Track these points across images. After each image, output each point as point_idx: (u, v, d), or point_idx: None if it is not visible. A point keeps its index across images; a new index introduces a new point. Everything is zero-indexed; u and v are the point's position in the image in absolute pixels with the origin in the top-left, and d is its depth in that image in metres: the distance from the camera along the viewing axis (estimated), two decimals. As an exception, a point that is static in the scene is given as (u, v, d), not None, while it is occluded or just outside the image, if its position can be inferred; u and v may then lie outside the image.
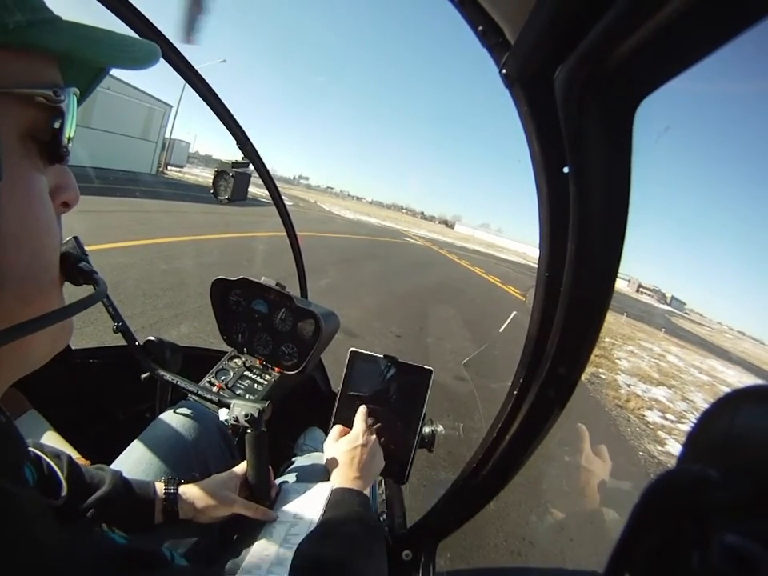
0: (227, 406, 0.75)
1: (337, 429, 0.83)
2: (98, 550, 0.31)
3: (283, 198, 1.24)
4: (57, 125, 0.29)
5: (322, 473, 0.80)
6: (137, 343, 1.04)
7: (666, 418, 4.69)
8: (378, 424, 0.92)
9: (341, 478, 0.72)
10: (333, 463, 0.76)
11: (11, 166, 0.25)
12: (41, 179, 0.29)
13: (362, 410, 0.88)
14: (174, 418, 0.85)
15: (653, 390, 5.80)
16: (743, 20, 0.22)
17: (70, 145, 0.31)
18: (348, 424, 1.00)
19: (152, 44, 0.33)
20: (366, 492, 0.71)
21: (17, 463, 0.32)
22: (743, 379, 10.54)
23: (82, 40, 0.28)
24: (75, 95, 0.31)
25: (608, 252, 0.37)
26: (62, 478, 0.48)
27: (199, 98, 0.93)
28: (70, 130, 0.30)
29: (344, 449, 0.76)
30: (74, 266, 0.36)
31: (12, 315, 0.27)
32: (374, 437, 0.82)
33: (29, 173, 0.28)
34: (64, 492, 0.47)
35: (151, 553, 0.38)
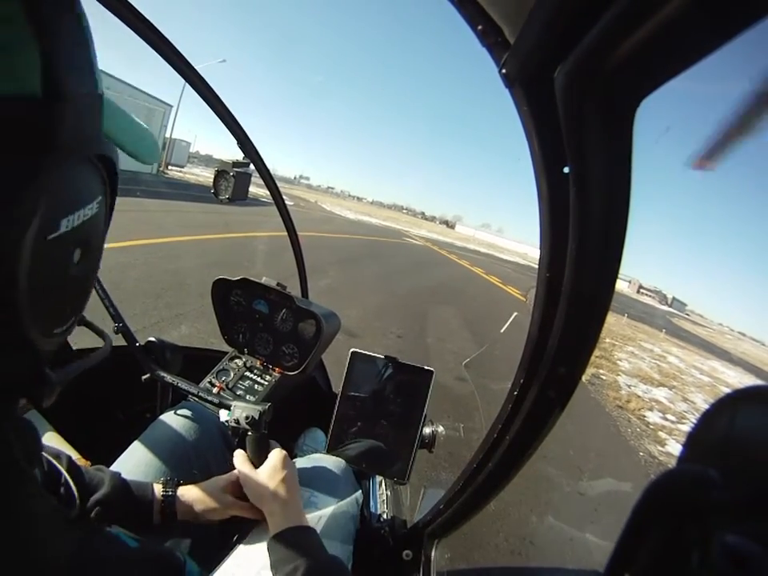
0: (228, 407, 0.74)
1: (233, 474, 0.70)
2: (110, 554, 0.31)
3: (284, 197, 1.24)
4: None
5: (322, 474, 0.80)
6: (137, 344, 1.04)
7: (667, 419, 4.68)
8: (383, 423, 0.91)
9: (282, 521, 0.61)
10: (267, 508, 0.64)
11: None
12: None
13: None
14: (174, 419, 0.85)
15: (653, 390, 5.79)
16: (743, 20, 0.22)
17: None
18: (348, 424, 0.99)
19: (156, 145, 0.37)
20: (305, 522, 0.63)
21: (28, 458, 0.31)
22: (744, 380, 10.52)
23: (119, 131, 0.33)
24: None
25: (609, 252, 0.37)
26: (66, 476, 0.48)
27: (199, 98, 0.93)
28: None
29: (270, 487, 0.65)
30: None
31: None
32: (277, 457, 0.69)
33: None
34: (74, 492, 0.46)
35: (164, 557, 0.37)
